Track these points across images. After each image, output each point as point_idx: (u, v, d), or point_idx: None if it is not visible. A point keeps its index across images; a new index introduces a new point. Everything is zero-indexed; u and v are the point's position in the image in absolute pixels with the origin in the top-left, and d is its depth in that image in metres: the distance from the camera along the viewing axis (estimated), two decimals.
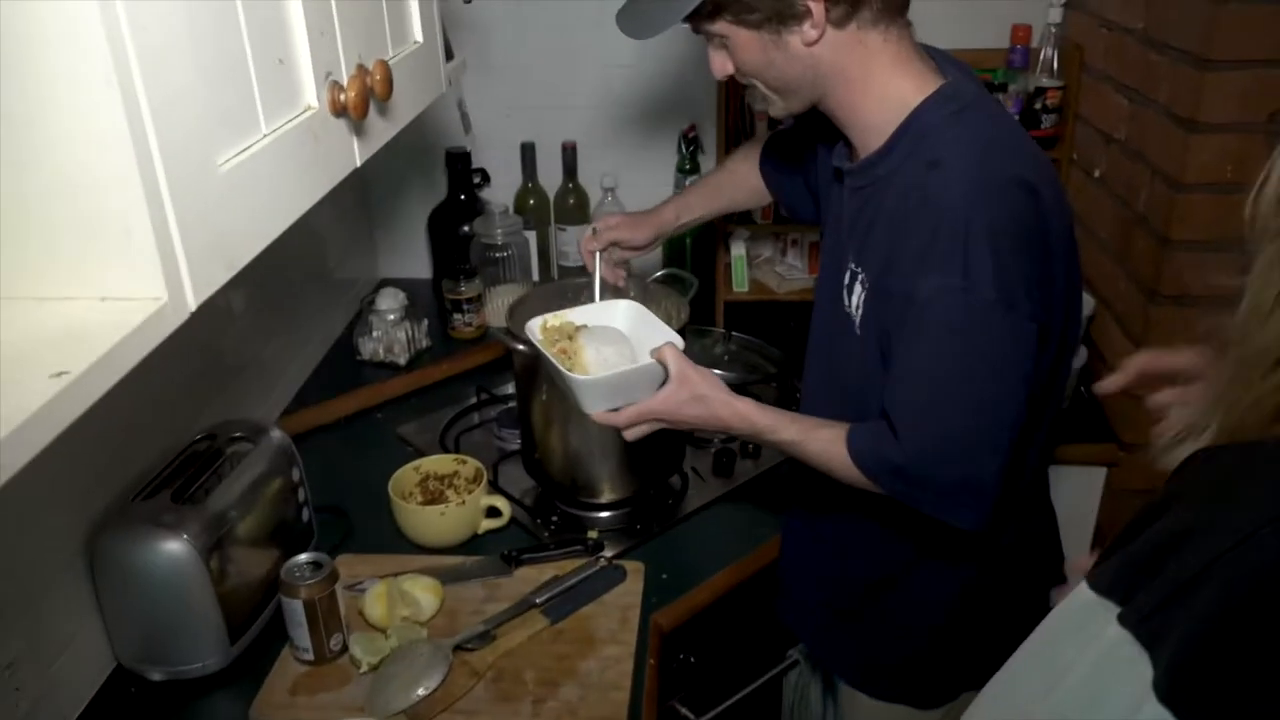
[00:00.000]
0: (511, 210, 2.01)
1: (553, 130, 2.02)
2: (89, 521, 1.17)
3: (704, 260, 2.02)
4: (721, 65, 1.11)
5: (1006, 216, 0.99)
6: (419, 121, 2.01)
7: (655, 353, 1.13)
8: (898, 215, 1.04)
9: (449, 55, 1.28)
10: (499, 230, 1.94)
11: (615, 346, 1.18)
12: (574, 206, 2.04)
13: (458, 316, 1.92)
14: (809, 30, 1.03)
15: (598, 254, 1.44)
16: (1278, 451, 0.63)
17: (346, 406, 1.75)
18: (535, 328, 1.23)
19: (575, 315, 1.26)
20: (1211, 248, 1.43)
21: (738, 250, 1.95)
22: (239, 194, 0.68)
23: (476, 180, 2.02)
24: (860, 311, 1.10)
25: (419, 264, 2.16)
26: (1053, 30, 1.82)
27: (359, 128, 0.87)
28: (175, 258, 0.60)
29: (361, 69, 0.85)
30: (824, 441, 1.10)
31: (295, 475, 1.36)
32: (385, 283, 2.07)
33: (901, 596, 1.25)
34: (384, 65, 0.87)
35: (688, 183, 1.97)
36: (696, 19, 1.06)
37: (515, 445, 1.59)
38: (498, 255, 1.95)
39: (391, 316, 1.85)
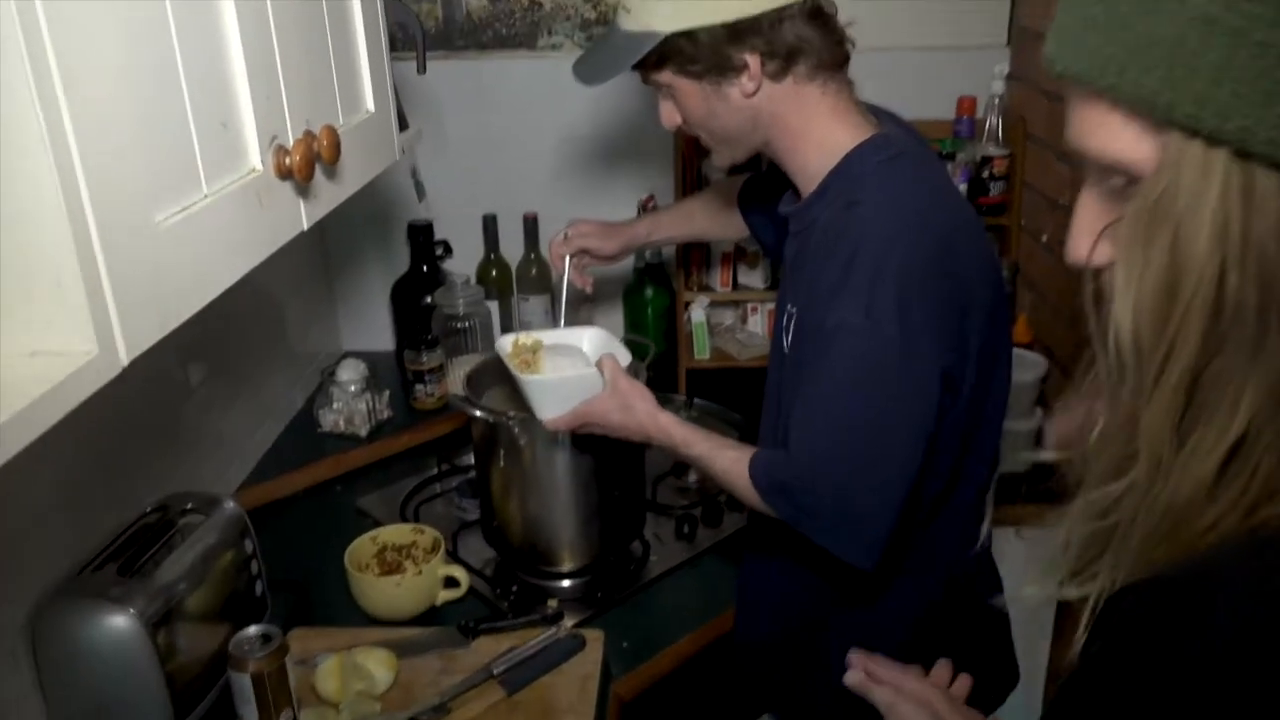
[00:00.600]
0: (474, 281, 2.03)
1: (514, 202, 2.05)
2: (33, 599, 1.14)
3: (665, 328, 2.03)
4: (669, 115, 1.18)
5: (917, 262, 1.02)
6: (380, 193, 2.06)
7: (598, 364, 1.22)
8: (820, 252, 1.08)
9: (403, 125, 1.30)
10: (461, 301, 1.95)
11: (570, 359, 1.29)
12: (536, 277, 2.05)
13: (419, 387, 1.92)
14: (747, 83, 1.09)
15: (567, 257, 1.50)
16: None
17: (305, 479, 1.73)
18: (506, 343, 1.31)
19: (545, 336, 1.35)
20: None
21: (698, 318, 1.97)
22: (178, 252, 0.68)
23: (439, 252, 2.04)
24: (792, 349, 1.13)
25: (381, 336, 2.16)
26: (996, 101, 1.88)
27: (305, 191, 0.88)
28: (107, 312, 0.59)
29: (308, 134, 0.86)
30: (730, 460, 1.13)
31: (248, 547, 1.34)
32: (348, 355, 2.06)
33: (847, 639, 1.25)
34: (331, 130, 0.89)
35: (647, 252, 2.01)
36: (644, 69, 1.13)
37: (475, 515, 1.58)
38: (459, 326, 1.95)
39: (353, 387, 1.84)
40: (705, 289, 1.99)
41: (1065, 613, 1.56)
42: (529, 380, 1.25)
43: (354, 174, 1.02)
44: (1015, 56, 1.93)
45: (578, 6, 1.95)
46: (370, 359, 1.95)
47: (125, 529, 1.26)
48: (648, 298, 2.04)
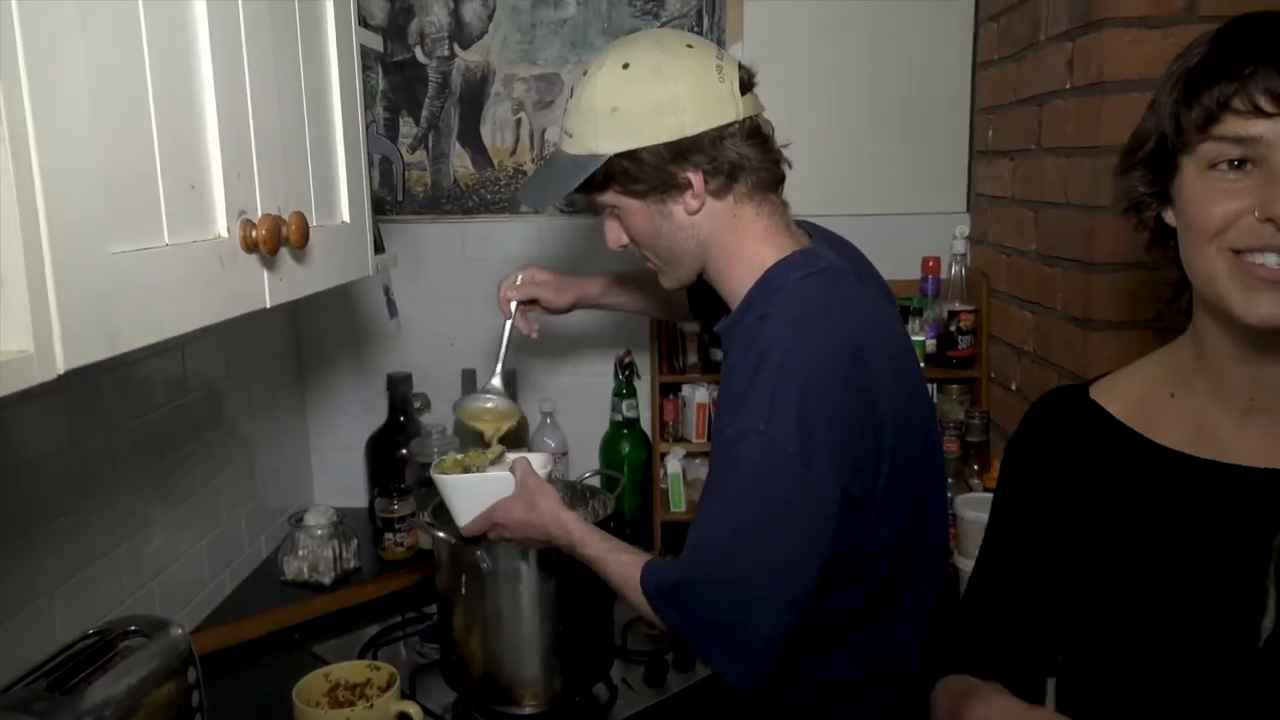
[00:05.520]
0: (450, 433, 2.03)
1: (493, 359, 2.08)
2: None
3: (642, 482, 2.02)
4: (615, 235, 1.21)
5: (820, 379, 1.02)
6: (361, 344, 2.10)
7: (511, 466, 1.24)
8: (731, 362, 1.10)
9: (379, 248, 1.35)
10: (435, 451, 1.94)
11: (493, 469, 1.31)
12: (513, 431, 2.06)
13: (389, 536, 1.88)
14: (691, 200, 1.12)
15: (514, 303, 1.50)
16: None
17: (263, 626, 1.66)
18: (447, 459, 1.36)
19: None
20: None
21: (674, 469, 1.96)
22: (130, 283, 0.70)
23: (417, 404, 2.06)
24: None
25: (356, 493, 2.14)
26: (959, 258, 1.96)
27: (272, 268, 0.91)
28: (48, 316, 0.60)
29: (278, 217, 0.90)
30: (624, 564, 1.12)
31: (191, 676, 1.27)
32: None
33: None
34: (300, 216, 0.92)
35: (624, 406, 2.03)
36: (589, 190, 1.16)
37: (437, 658, 1.51)
38: None
39: (320, 532, 1.80)
40: (680, 440, 1.99)
41: None
42: (443, 480, 1.27)
43: (324, 270, 1.06)
44: (975, 220, 2.03)
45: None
46: (342, 513, 1.92)
47: (66, 647, 1.20)
48: (624, 451, 2.04)
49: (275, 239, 0.87)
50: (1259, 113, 0.75)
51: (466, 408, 1.55)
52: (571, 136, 1.16)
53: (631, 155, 1.11)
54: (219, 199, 0.83)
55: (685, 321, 1.67)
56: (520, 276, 1.53)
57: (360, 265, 1.20)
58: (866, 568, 1.12)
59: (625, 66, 1.12)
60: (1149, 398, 0.92)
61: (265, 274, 0.90)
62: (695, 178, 1.11)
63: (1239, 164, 0.78)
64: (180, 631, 1.29)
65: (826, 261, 1.16)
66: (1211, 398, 0.87)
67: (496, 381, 1.55)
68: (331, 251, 1.09)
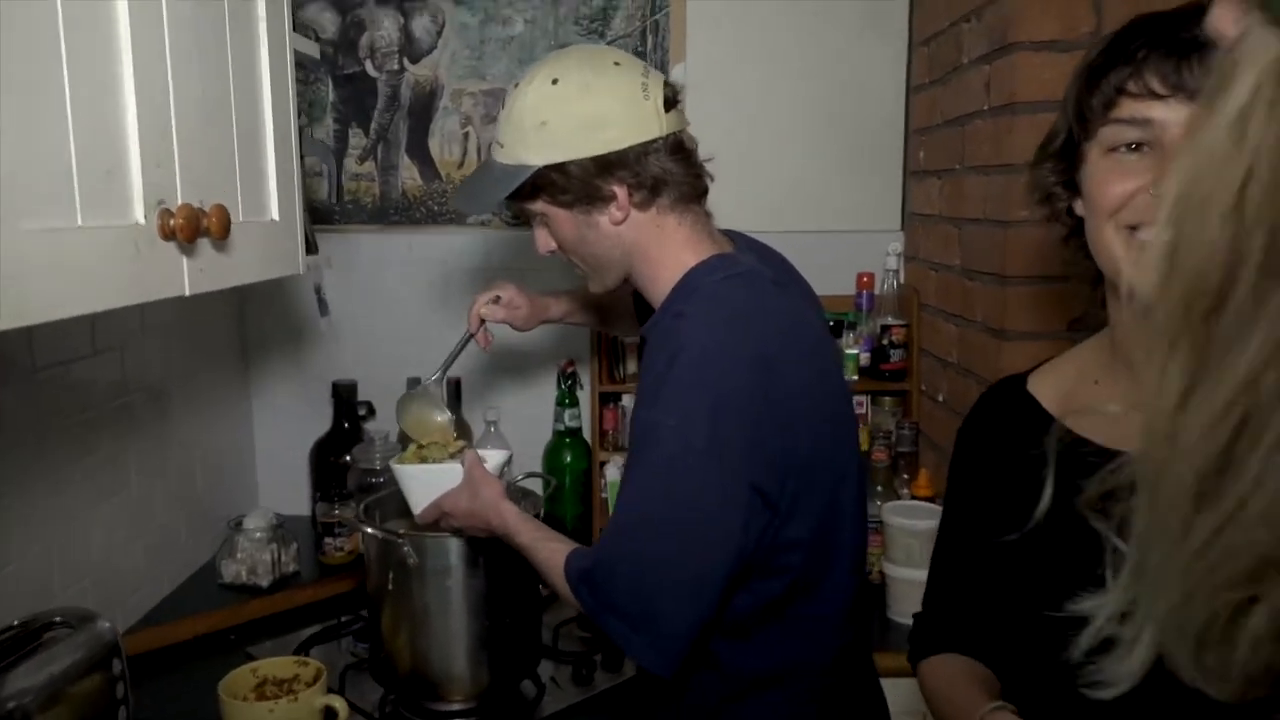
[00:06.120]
0: (394, 440, 2.05)
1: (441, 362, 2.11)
2: None
3: (583, 492, 2.05)
4: (544, 242, 1.25)
5: (731, 376, 1.07)
6: (307, 351, 2.12)
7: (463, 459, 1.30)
8: (649, 358, 1.14)
9: (312, 249, 1.38)
10: (378, 457, 1.96)
11: (444, 464, 1.35)
12: (459, 437, 2.09)
13: (329, 541, 1.90)
14: (615, 212, 1.17)
15: (484, 322, 1.55)
16: None
17: (197, 627, 1.67)
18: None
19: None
20: None
21: (613, 476, 2.00)
22: (40, 259, 0.73)
23: (362, 413, 2.08)
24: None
25: (299, 501, 2.15)
26: (891, 274, 2.02)
27: (191, 256, 0.94)
28: None
29: (198, 208, 0.93)
30: (550, 551, 1.16)
31: (116, 668, 1.28)
32: None
33: None
34: (221, 209, 0.96)
35: (566, 416, 2.06)
36: (519, 199, 1.20)
37: (368, 657, 1.53)
38: (375, 481, 1.96)
39: (258, 535, 1.82)
40: (621, 449, 2.03)
41: None
42: (398, 470, 1.33)
43: (250, 264, 1.09)
44: (908, 238, 2.09)
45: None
46: (284, 519, 1.94)
47: None
48: (566, 460, 2.07)
49: (193, 228, 0.90)
50: (1153, 95, 0.82)
51: (414, 415, 1.56)
52: (503, 146, 1.21)
53: (559, 168, 1.16)
54: (136, 187, 0.86)
55: (632, 334, 1.72)
56: (501, 298, 1.56)
57: (290, 263, 1.23)
58: (777, 561, 1.15)
59: (555, 82, 1.16)
60: (1077, 386, 0.97)
61: (185, 262, 0.93)
62: (620, 191, 1.16)
63: (1137, 147, 0.84)
64: (108, 625, 1.30)
65: (746, 266, 1.20)
66: (1129, 384, 0.90)
67: (436, 386, 1.57)
68: (258, 247, 1.12)
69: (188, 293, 0.95)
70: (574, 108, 1.15)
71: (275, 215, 1.19)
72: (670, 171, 1.18)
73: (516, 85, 1.20)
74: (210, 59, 1.03)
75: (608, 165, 1.15)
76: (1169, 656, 0.47)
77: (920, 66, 2.02)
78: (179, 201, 0.92)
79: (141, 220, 0.87)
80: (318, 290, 1.78)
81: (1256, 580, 0.43)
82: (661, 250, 1.20)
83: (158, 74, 0.91)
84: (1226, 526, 0.43)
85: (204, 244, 0.96)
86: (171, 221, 0.89)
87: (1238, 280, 0.42)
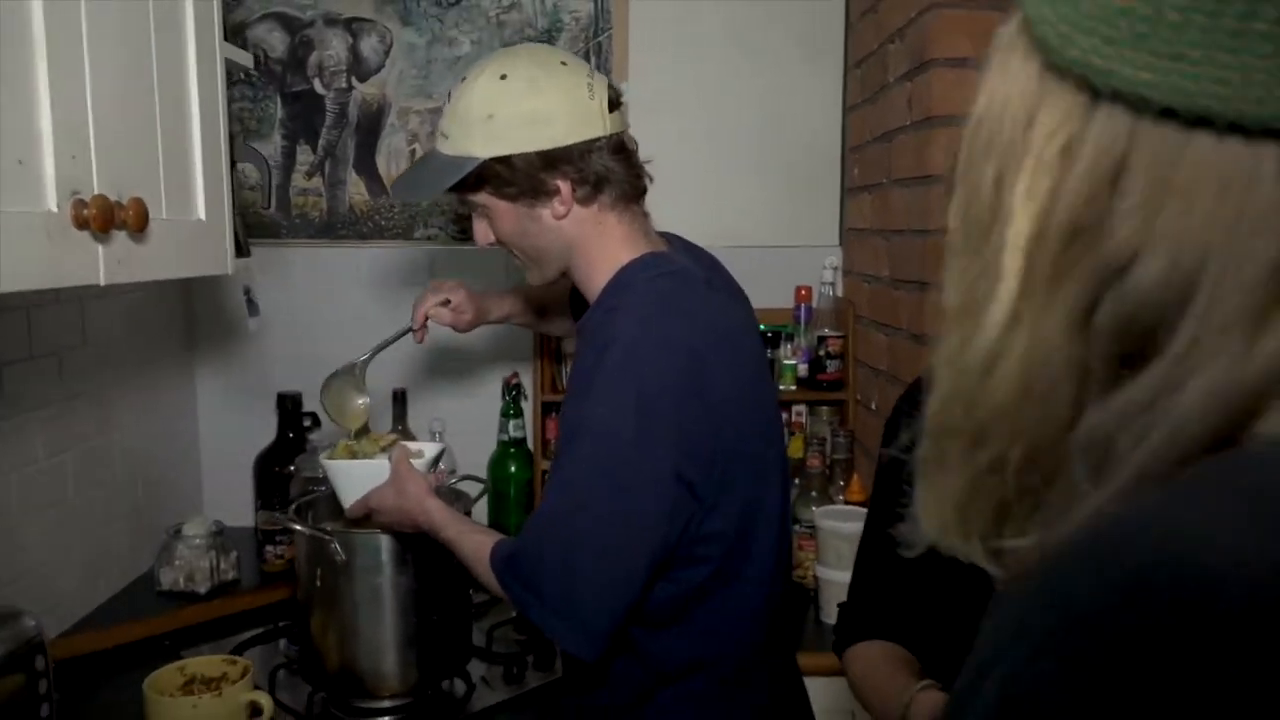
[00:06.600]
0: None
1: (386, 378, 2.14)
2: None
3: (527, 503, 2.07)
4: (484, 233, 1.28)
5: (658, 370, 1.11)
6: (250, 365, 2.14)
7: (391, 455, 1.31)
8: (581, 351, 1.18)
9: (243, 251, 1.41)
10: (320, 465, 1.98)
11: (374, 459, 1.37)
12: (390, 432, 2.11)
13: (270, 549, 1.91)
14: (558, 206, 1.21)
15: (427, 321, 1.58)
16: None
17: (131, 633, 1.67)
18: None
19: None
20: None
21: None
22: None
23: (306, 423, 2.10)
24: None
25: (243, 512, 2.16)
26: (827, 287, 2.08)
27: (107, 245, 0.97)
28: None
29: (116, 201, 0.96)
30: (476, 543, 1.19)
31: (40, 665, 1.29)
32: None
33: None
34: (139, 202, 0.99)
35: (511, 426, 2.09)
36: (462, 190, 1.23)
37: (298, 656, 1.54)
38: (318, 490, 1.97)
39: (197, 542, 1.83)
40: None
41: None
42: (327, 464, 1.35)
43: (172, 260, 1.12)
44: (846, 252, 2.15)
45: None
46: (224, 526, 1.94)
47: None
48: (511, 470, 2.09)
49: (107, 219, 0.93)
50: None
51: (333, 394, 1.58)
52: (448, 138, 1.24)
53: (505, 160, 1.19)
54: (49, 177, 0.89)
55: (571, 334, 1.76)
56: (451, 302, 1.60)
57: (217, 263, 1.26)
58: (698, 551, 1.18)
59: (503, 77, 1.20)
60: None
61: (100, 251, 0.96)
62: (564, 185, 1.19)
63: None
64: (32, 623, 1.31)
65: (679, 265, 1.24)
66: None
67: (362, 368, 1.59)
68: (182, 244, 1.15)
69: (103, 282, 0.97)
70: (521, 103, 1.19)
71: (202, 215, 1.22)
72: (612, 170, 1.21)
73: (464, 79, 1.24)
74: (134, 61, 1.07)
75: (552, 160, 1.19)
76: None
77: (854, 87, 2.08)
78: (94, 192, 0.95)
79: (54, 209, 0.90)
80: (247, 292, 1.81)
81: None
82: (600, 246, 1.23)
83: (74, 72, 0.94)
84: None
85: (120, 236, 0.99)
86: (85, 211, 0.92)
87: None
